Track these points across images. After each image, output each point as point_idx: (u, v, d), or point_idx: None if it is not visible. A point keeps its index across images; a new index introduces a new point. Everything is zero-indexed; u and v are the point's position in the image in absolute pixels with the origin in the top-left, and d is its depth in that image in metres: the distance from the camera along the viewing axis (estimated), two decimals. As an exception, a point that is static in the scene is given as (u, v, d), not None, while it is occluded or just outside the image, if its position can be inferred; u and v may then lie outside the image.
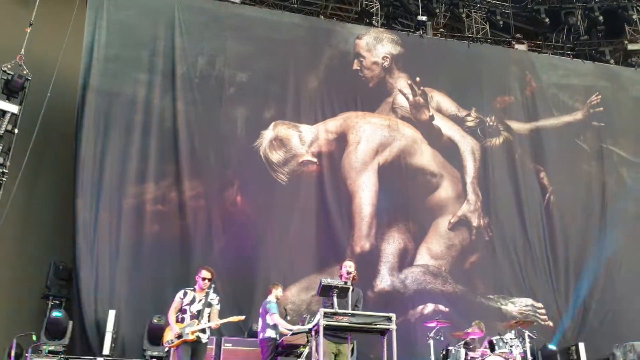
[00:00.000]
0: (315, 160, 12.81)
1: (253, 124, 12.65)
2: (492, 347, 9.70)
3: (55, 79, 10.70)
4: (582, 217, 14.23)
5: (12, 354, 8.52)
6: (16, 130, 10.15)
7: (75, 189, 10.97)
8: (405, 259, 12.73)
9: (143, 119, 11.94)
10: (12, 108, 10.20)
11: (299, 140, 12.83)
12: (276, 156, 12.55)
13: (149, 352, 9.99)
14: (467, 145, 14.10)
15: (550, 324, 12.87)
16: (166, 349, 7.95)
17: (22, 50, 10.37)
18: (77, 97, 11.56)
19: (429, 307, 12.27)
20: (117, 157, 11.54)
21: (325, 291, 6.81)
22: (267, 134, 12.62)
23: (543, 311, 12.89)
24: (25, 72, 10.33)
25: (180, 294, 7.67)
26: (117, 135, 11.67)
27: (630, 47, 16.09)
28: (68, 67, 11.50)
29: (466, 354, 9.69)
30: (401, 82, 14.08)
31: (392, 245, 12.75)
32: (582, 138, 15.00)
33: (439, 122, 14.05)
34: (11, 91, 10.31)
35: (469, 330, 10.29)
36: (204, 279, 7.63)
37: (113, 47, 12.17)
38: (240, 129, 12.53)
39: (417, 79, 14.11)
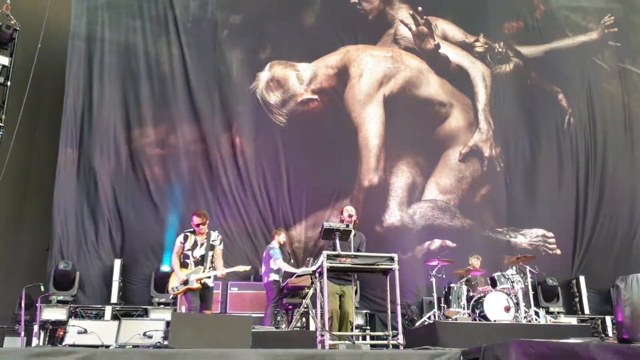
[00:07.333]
0: (316, 97, 12.46)
1: (248, 66, 12.33)
2: (493, 283, 9.65)
3: (45, 28, 10.47)
4: (604, 138, 13.69)
5: (23, 305, 8.66)
6: (9, 83, 10.02)
7: (70, 139, 11.05)
8: (414, 194, 12.49)
9: (136, 65, 11.77)
10: (3, 60, 10.03)
11: (297, 79, 12.47)
12: (274, 98, 12.25)
13: (156, 299, 10.19)
14: (477, 71, 13.56)
15: (558, 252, 12.64)
16: (171, 296, 8.00)
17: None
18: (68, 46, 11.43)
19: (436, 243, 12.12)
20: (112, 104, 11.46)
21: (327, 234, 6.94)
22: (263, 76, 12.30)
23: (553, 240, 12.65)
24: (13, 23, 10.02)
25: (180, 238, 7.63)
26: (110, 83, 11.56)
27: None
28: (57, 16, 11.31)
29: (468, 291, 9.68)
30: (402, 13, 13.46)
31: (401, 179, 12.49)
32: (601, 57, 14.36)
33: (446, 49, 13.47)
34: (0, 43, 10.14)
35: (468, 267, 10.38)
36: (197, 225, 7.56)
37: (102, -7, 11.92)
38: (236, 71, 12.24)
39: (419, 8, 13.44)
